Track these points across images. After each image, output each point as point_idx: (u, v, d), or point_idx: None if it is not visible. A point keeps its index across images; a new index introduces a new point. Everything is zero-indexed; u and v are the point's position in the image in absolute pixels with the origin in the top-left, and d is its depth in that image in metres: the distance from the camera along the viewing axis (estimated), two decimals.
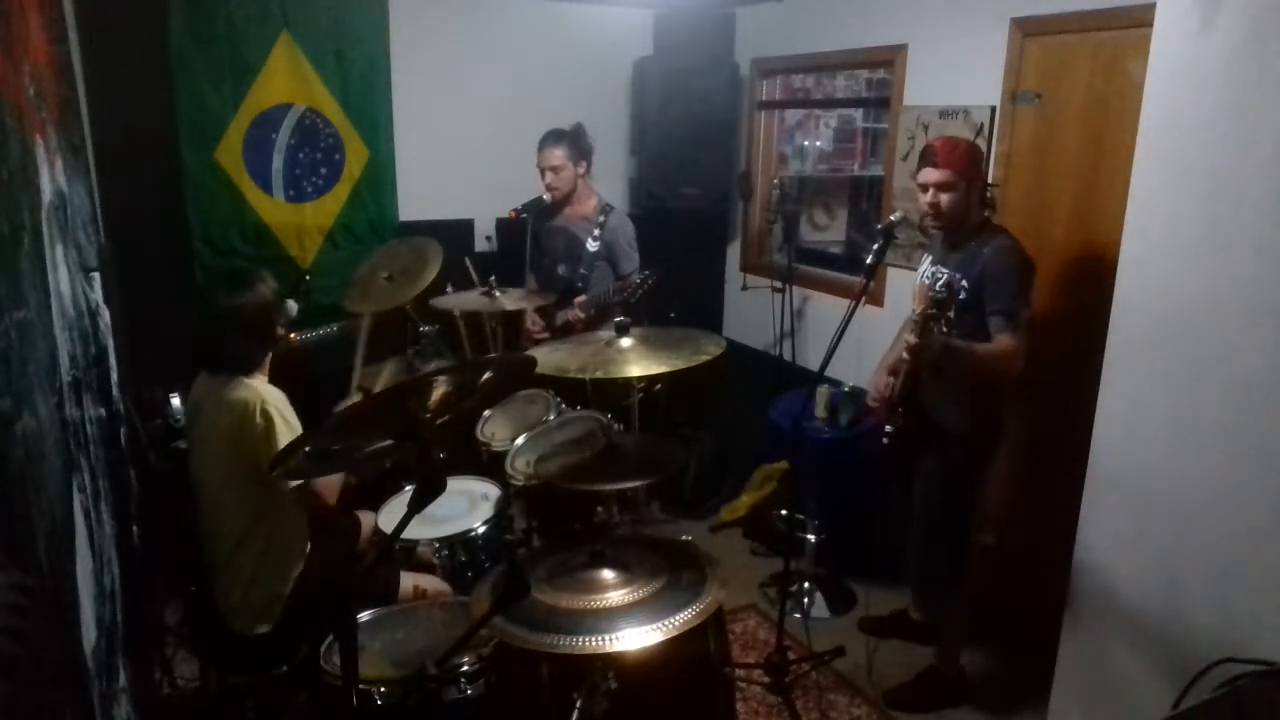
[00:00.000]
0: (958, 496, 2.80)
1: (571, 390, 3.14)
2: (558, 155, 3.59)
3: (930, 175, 2.63)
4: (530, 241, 3.71)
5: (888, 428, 2.79)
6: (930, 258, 2.82)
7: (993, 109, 3.25)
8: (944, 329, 2.48)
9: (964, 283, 2.61)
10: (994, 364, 2.56)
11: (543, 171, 3.63)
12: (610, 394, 3.05)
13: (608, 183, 4.32)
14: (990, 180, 3.23)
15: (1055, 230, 3.11)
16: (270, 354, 2.36)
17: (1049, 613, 2.60)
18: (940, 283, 2.49)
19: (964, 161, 2.60)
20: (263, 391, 2.25)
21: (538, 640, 1.71)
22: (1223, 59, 1.97)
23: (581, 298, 3.59)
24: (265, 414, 2.19)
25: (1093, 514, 2.42)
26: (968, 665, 3.07)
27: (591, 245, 3.67)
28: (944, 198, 2.62)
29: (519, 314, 3.71)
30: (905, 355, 2.55)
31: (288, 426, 2.22)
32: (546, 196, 3.65)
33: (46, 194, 1.88)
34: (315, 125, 3.88)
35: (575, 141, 3.63)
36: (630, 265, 3.70)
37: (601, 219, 3.68)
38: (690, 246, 4.71)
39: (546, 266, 3.79)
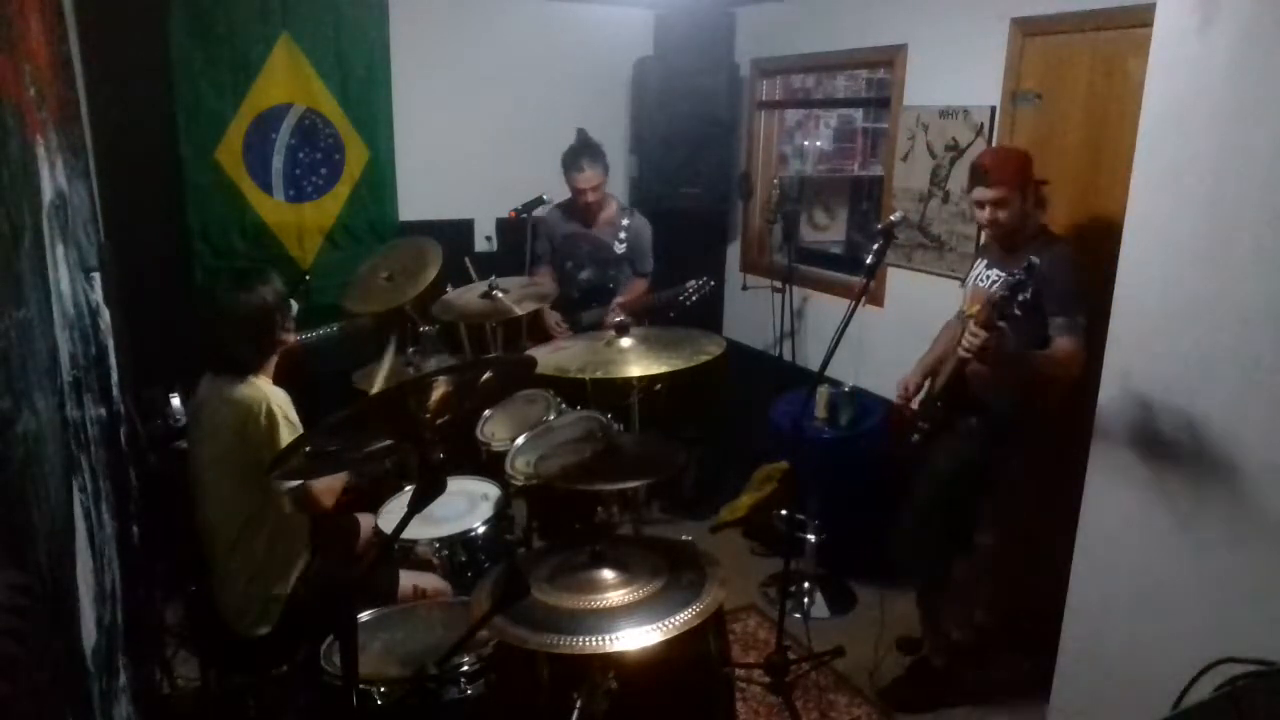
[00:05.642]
0: (971, 489, 2.76)
1: (571, 390, 3.14)
2: (596, 175, 3.67)
3: (985, 194, 2.60)
4: (532, 242, 3.72)
5: (921, 424, 2.75)
6: (984, 261, 2.79)
7: (993, 109, 3.25)
8: (1015, 311, 2.30)
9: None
10: (1052, 369, 2.52)
11: (582, 191, 3.69)
12: (610, 394, 3.05)
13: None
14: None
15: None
16: (274, 356, 2.35)
17: (1049, 613, 2.60)
18: (1019, 270, 2.32)
19: (1016, 174, 2.57)
20: (267, 391, 2.25)
21: (538, 640, 1.71)
22: (1222, 58, 1.97)
23: (620, 299, 3.70)
24: (269, 414, 2.19)
25: (1093, 514, 2.42)
26: (966, 666, 3.06)
27: (619, 248, 3.80)
28: (1002, 214, 2.59)
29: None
30: (963, 353, 2.43)
31: (291, 427, 2.22)
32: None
33: (46, 194, 1.88)
34: (315, 125, 3.87)
35: (603, 156, 3.72)
36: (649, 264, 3.83)
37: (625, 222, 3.80)
38: (690, 246, 4.70)
39: (569, 270, 3.85)
